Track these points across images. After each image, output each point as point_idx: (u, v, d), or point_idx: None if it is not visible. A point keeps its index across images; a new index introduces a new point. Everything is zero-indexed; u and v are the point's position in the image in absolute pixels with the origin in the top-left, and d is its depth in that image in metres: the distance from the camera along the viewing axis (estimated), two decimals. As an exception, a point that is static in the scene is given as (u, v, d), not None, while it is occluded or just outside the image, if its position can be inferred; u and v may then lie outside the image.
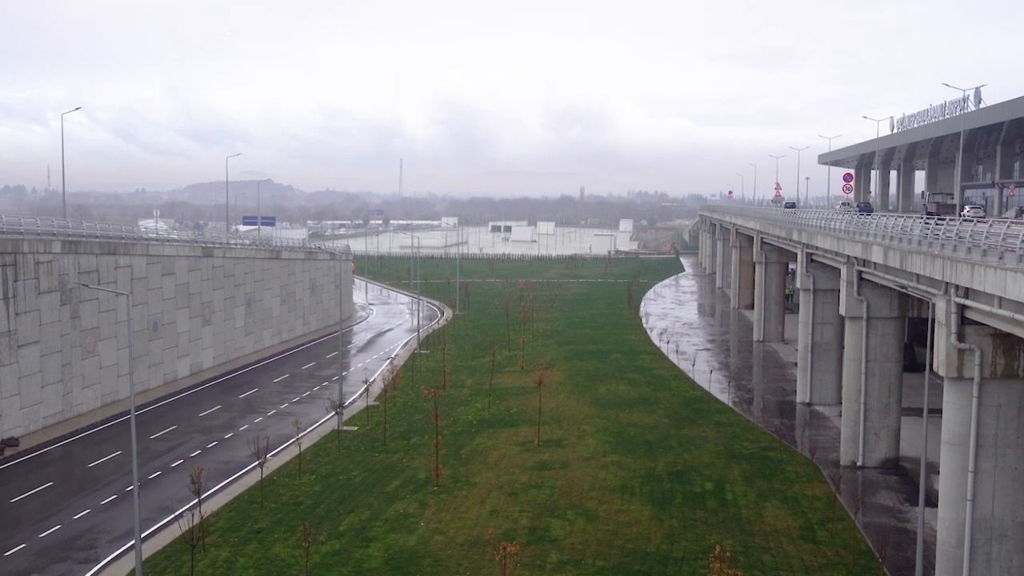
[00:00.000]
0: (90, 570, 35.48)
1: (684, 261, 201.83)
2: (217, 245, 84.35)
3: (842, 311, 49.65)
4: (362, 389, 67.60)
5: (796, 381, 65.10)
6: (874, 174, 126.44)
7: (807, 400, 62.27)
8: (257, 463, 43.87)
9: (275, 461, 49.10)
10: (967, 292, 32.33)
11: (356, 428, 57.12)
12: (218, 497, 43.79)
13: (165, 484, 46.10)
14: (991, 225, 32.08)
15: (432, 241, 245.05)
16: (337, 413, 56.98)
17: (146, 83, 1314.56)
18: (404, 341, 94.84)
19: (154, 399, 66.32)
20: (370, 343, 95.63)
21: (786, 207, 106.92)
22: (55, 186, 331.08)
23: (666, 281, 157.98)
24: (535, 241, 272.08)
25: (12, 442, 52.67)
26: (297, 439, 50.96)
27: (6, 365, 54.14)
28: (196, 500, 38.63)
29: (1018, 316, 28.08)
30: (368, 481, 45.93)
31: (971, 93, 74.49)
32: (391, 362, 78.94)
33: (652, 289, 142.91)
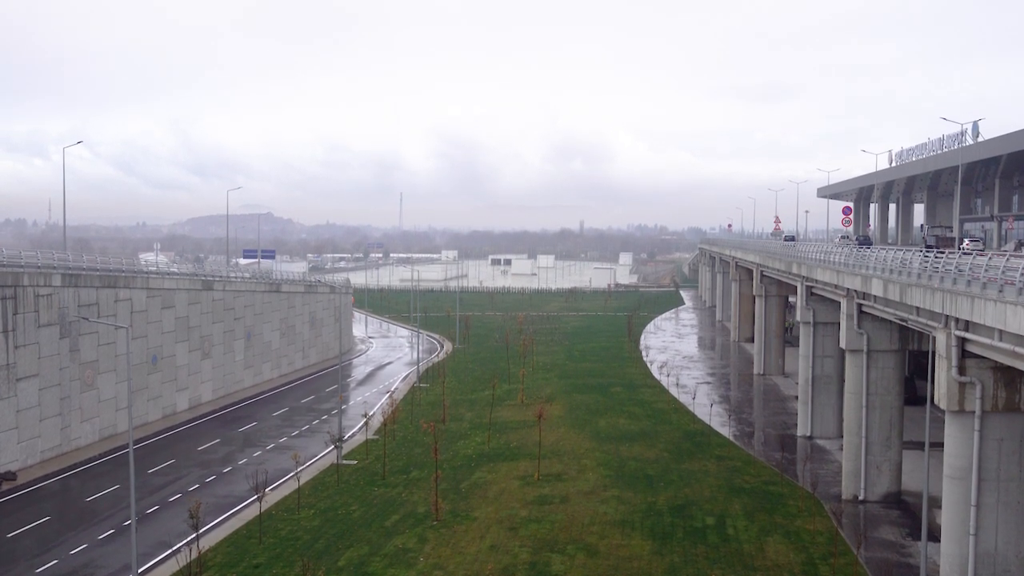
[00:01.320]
0: (86, 606, 35.14)
1: (684, 294, 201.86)
2: (217, 278, 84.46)
3: (842, 344, 49.62)
4: (361, 423, 67.34)
5: (797, 414, 64.88)
6: (873, 207, 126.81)
7: (808, 433, 62.02)
8: (256, 497, 43.60)
9: (274, 495, 48.76)
10: (967, 325, 32.30)
11: (355, 462, 56.82)
12: (216, 532, 43.45)
13: (163, 518, 45.79)
14: (990, 258, 32.16)
15: (432, 274, 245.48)
16: (336, 447, 56.77)
17: (147, 118, 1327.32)
18: (404, 374, 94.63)
19: (153, 433, 66.07)
20: (370, 376, 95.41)
21: (785, 240, 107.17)
22: (56, 219, 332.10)
23: (666, 314, 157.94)
24: (535, 274, 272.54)
25: (10, 476, 52.36)
26: (296, 473, 50.69)
27: (5, 398, 54.00)
28: (194, 535, 38.33)
29: (1019, 349, 28.04)
30: (367, 516, 45.62)
31: (969, 127, 74.94)
32: (391, 396, 78.69)
33: (652, 322, 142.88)
